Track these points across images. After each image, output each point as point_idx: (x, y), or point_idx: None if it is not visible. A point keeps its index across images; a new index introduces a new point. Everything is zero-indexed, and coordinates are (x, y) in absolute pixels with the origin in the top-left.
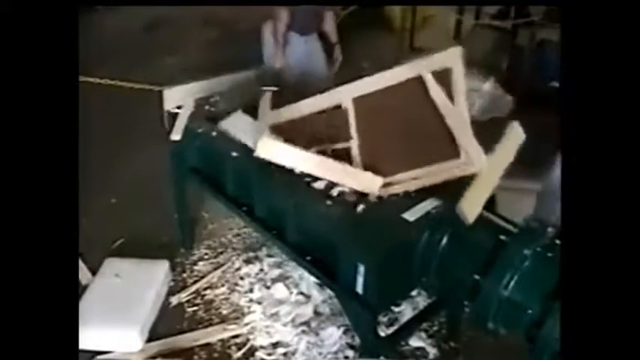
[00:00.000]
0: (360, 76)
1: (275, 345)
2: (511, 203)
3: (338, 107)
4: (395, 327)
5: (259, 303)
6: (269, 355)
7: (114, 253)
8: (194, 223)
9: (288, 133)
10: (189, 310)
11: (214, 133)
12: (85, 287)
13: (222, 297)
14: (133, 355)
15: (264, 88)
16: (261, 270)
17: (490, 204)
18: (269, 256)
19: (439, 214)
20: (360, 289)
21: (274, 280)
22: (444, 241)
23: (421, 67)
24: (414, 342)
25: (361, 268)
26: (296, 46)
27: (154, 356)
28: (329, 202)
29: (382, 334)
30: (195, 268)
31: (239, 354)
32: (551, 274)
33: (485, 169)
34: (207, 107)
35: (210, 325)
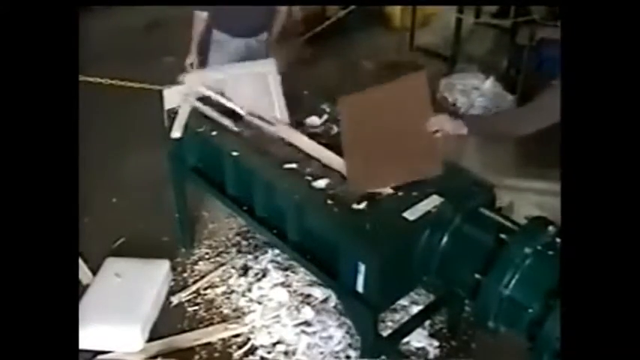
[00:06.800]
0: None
1: (275, 344)
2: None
3: None
4: (396, 326)
5: (260, 302)
6: (269, 353)
7: (114, 253)
8: (194, 223)
9: None
10: (190, 309)
11: (214, 133)
12: (86, 287)
13: (222, 296)
14: (134, 355)
15: None
16: (262, 269)
17: (491, 203)
18: (270, 255)
19: (440, 213)
20: (360, 288)
21: (275, 280)
22: (445, 239)
23: None
24: (415, 342)
25: (362, 267)
26: (225, 48)
27: (155, 356)
28: (329, 202)
29: (383, 333)
30: (196, 267)
31: (240, 353)
32: (552, 272)
33: None
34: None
35: (211, 324)
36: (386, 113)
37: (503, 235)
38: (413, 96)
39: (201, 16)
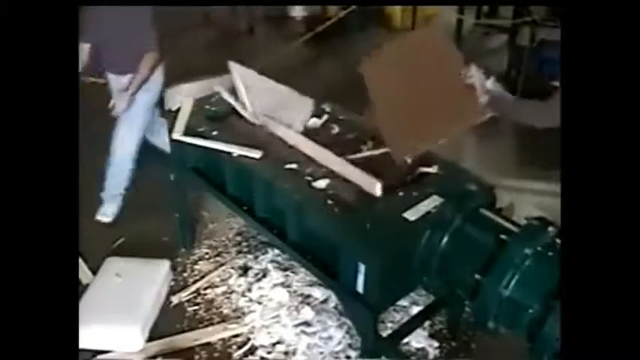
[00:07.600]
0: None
1: (275, 344)
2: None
3: None
4: (396, 326)
5: (260, 302)
6: (269, 353)
7: (114, 253)
8: (194, 223)
9: None
10: (190, 309)
11: (215, 133)
12: (86, 287)
13: (222, 296)
14: (134, 355)
15: None
16: (262, 269)
17: (491, 204)
18: (270, 255)
19: (440, 214)
20: (360, 288)
21: (275, 280)
22: (445, 240)
23: None
24: (415, 342)
25: (362, 268)
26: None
27: (155, 355)
28: (330, 202)
29: (383, 333)
30: (196, 267)
31: (239, 353)
32: (552, 273)
33: None
34: (207, 107)
35: (211, 324)
36: (412, 67)
37: (503, 236)
38: (434, 45)
39: (84, 47)
